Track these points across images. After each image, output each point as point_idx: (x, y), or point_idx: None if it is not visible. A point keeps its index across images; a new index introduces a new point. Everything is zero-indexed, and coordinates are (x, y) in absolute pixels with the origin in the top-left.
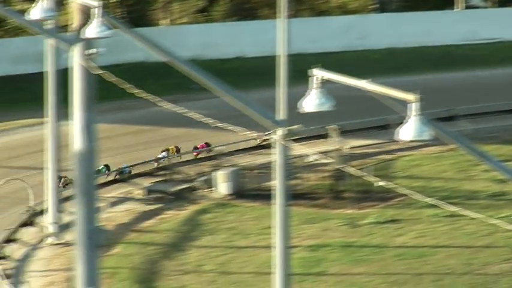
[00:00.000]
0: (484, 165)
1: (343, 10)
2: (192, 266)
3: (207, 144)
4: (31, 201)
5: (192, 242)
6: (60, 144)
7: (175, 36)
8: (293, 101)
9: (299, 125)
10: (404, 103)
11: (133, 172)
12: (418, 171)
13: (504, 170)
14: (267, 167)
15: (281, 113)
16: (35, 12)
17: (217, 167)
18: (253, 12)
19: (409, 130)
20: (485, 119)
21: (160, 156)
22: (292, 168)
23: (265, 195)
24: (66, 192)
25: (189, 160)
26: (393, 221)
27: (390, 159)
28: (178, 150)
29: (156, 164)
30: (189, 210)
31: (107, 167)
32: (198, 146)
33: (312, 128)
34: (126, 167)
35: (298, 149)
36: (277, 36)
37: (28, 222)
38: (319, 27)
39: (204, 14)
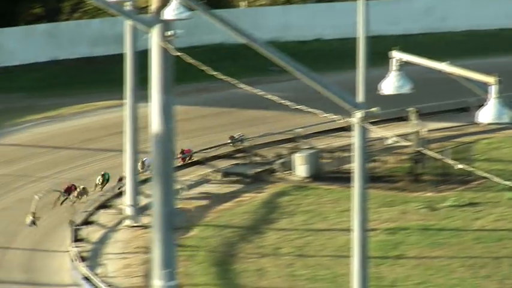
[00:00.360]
0: None
1: None
2: (269, 249)
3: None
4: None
5: (269, 224)
6: (138, 126)
7: (254, 18)
8: (372, 84)
9: (378, 108)
10: (484, 85)
11: (211, 154)
12: (497, 154)
13: None
14: (345, 150)
15: (360, 96)
16: None
17: (295, 150)
18: None
19: (488, 112)
20: None
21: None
22: (371, 150)
23: (343, 178)
24: (145, 175)
25: (268, 142)
26: (472, 204)
27: (469, 142)
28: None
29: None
30: (266, 192)
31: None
32: (185, 151)
33: (391, 111)
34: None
35: (376, 131)
36: (357, 18)
37: (105, 205)
38: (398, 9)
39: None
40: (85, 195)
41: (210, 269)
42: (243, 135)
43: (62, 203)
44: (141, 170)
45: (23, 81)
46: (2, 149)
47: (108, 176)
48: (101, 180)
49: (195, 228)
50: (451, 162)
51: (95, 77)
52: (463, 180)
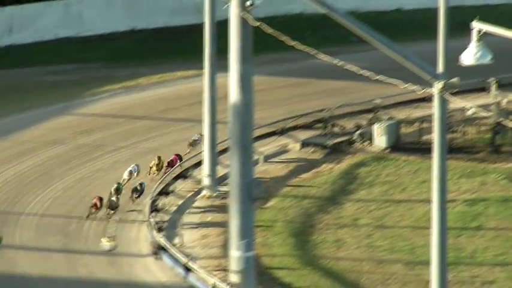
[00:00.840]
0: None
1: None
2: (347, 220)
3: (179, 156)
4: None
5: (348, 195)
6: (217, 96)
7: None
8: (452, 54)
9: (458, 78)
10: None
11: (291, 125)
12: None
13: None
14: (425, 120)
15: (440, 66)
16: None
17: (374, 120)
18: None
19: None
20: None
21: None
22: (451, 121)
23: (422, 149)
24: (222, 145)
25: (347, 113)
26: None
27: None
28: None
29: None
30: (345, 163)
31: None
32: (172, 159)
33: (471, 81)
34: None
35: (456, 102)
36: None
37: (184, 175)
38: None
39: None
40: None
41: (288, 240)
42: (200, 136)
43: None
44: (188, 150)
45: (102, 51)
46: (81, 119)
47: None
48: (156, 164)
49: (273, 199)
50: None
51: (174, 47)
52: None
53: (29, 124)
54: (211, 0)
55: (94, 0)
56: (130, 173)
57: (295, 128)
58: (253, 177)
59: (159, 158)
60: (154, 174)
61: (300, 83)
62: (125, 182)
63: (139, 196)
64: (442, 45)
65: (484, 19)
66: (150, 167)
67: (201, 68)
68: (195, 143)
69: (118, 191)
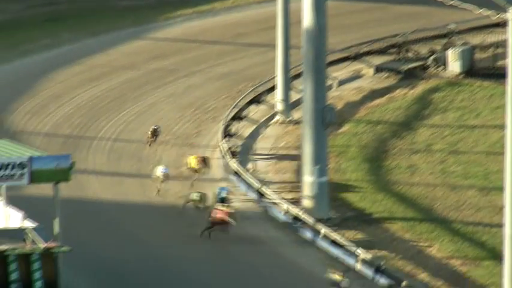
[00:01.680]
0: None
1: None
2: (421, 146)
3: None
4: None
5: (422, 120)
6: (290, 21)
7: None
8: None
9: None
10: None
11: (365, 50)
12: None
13: None
14: (499, 46)
15: None
16: None
17: (448, 46)
18: None
19: None
20: None
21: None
22: None
23: (497, 74)
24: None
25: (421, 38)
26: None
27: None
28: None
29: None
30: (419, 88)
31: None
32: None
33: None
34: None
35: None
36: None
37: (257, 100)
38: None
39: None
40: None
41: (361, 165)
42: (158, 127)
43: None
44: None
45: None
46: (153, 44)
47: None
48: (150, 135)
49: (347, 124)
50: None
51: None
52: None
53: (101, 49)
54: None
55: None
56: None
57: (368, 53)
58: (326, 102)
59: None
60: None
61: (373, 8)
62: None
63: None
64: None
65: None
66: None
67: None
68: (156, 133)
69: None
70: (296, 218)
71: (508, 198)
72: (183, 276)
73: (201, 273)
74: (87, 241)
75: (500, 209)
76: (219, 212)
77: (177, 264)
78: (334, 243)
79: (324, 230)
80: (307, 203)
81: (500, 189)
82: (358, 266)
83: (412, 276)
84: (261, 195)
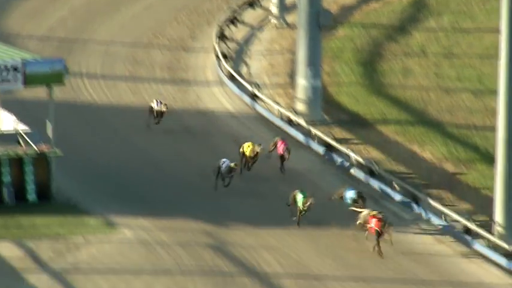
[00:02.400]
0: None
1: None
2: (416, 49)
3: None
4: None
5: (416, 24)
6: None
7: None
8: None
9: None
10: None
11: None
12: None
13: None
14: None
15: None
16: None
17: None
18: None
19: None
20: None
21: None
22: None
23: None
24: None
25: None
26: None
27: None
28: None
29: None
30: None
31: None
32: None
33: None
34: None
35: None
36: None
37: (252, 3)
38: None
39: None
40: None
41: (355, 69)
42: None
43: None
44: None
45: None
46: None
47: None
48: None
49: (341, 28)
50: None
51: None
52: None
53: None
54: None
55: None
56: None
57: None
58: (322, 5)
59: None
60: None
61: None
62: None
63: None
64: None
65: None
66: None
67: None
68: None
69: None
70: (291, 121)
71: (501, 101)
72: (177, 178)
73: (197, 175)
74: (80, 145)
75: (493, 112)
76: (376, 222)
77: (170, 167)
78: (326, 145)
79: (315, 131)
80: (300, 105)
81: (493, 92)
82: (352, 171)
83: (404, 179)
84: (254, 98)
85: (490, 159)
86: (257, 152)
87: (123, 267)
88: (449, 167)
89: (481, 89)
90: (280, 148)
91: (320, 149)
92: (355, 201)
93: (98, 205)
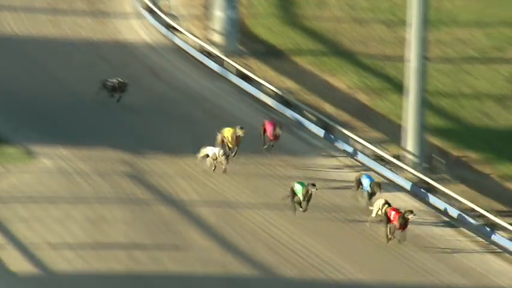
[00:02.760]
0: None
1: None
2: None
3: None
4: None
5: None
6: None
7: None
8: None
9: None
10: None
11: None
12: None
13: None
14: None
15: None
16: None
17: None
18: None
19: None
20: None
21: None
22: None
23: None
24: None
25: None
26: None
27: None
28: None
29: None
30: None
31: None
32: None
33: None
34: None
35: None
36: None
37: None
38: None
39: None
40: None
41: (271, 0)
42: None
43: None
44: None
45: None
46: None
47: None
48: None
49: None
50: None
51: None
52: None
53: None
54: None
55: None
56: None
57: None
58: None
59: None
60: None
61: None
62: None
63: None
64: None
65: None
66: None
67: None
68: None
69: None
70: (208, 52)
71: (413, 31)
72: (97, 108)
73: (115, 105)
74: (0, 76)
75: (406, 42)
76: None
77: (91, 98)
78: (243, 76)
79: (228, 60)
80: (217, 37)
81: (405, 23)
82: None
83: (316, 108)
84: (172, 30)
85: (401, 89)
86: (238, 136)
87: (42, 195)
88: (362, 97)
89: (393, 19)
90: (269, 131)
91: (236, 80)
92: (372, 190)
93: (18, 135)
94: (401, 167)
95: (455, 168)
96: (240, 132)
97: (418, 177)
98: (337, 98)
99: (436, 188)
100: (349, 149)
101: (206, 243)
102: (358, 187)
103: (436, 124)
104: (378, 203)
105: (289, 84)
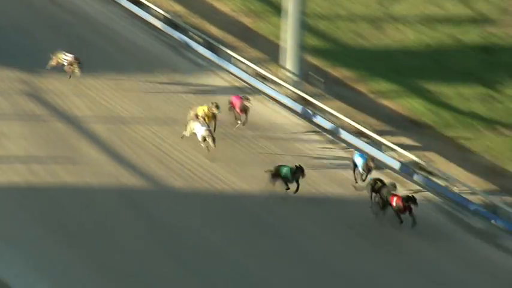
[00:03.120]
0: None
1: None
2: None
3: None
4: None
5: None
6: None
7: None
8: None
9: None
10: None
11: None
12: None
13: None
14: None
15: None
16: None
17: None
18: None
19: None
20: None
21: None
22: None
23: None
24: None
25: None
26: None
27: None
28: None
29: None
30: None
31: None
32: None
33: None
34: None
35: None
36: None
37: None
38: None
39: None
40: None
41: None
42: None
43: None
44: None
45: None
46: None
47: None
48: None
49: None
50: None
51: None
52: None
53: None
54: None
55: None
56: None
57: None
58: None
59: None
60: None
61: None
62: None
63: None
64: None
65: None
66: None
67: None
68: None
69: None
70: None
71: None
72: None
73: (12, 27)
74: None
75: None
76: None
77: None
78: (135, 1)
79: None
80: None
81: None
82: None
83: (203, 30)
84: None
85: (281, 12)
86: (213, 114)
87: None
88: (245, 20)
89: None
90: (238, 105)
91: (128, 4)
92: (367, 166)
93: None
94: (281, 84)
95: (333, 85)
96: (215, 110)
97: (296, 93)
98: (222, 21)
99: (314, 103)
100: (233, 69)
101: (100, 156)
102: (355, 168)
103: (314, 44)
104: None
105: (178, 8)
